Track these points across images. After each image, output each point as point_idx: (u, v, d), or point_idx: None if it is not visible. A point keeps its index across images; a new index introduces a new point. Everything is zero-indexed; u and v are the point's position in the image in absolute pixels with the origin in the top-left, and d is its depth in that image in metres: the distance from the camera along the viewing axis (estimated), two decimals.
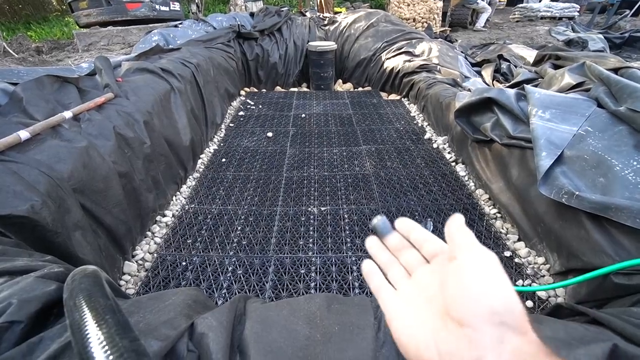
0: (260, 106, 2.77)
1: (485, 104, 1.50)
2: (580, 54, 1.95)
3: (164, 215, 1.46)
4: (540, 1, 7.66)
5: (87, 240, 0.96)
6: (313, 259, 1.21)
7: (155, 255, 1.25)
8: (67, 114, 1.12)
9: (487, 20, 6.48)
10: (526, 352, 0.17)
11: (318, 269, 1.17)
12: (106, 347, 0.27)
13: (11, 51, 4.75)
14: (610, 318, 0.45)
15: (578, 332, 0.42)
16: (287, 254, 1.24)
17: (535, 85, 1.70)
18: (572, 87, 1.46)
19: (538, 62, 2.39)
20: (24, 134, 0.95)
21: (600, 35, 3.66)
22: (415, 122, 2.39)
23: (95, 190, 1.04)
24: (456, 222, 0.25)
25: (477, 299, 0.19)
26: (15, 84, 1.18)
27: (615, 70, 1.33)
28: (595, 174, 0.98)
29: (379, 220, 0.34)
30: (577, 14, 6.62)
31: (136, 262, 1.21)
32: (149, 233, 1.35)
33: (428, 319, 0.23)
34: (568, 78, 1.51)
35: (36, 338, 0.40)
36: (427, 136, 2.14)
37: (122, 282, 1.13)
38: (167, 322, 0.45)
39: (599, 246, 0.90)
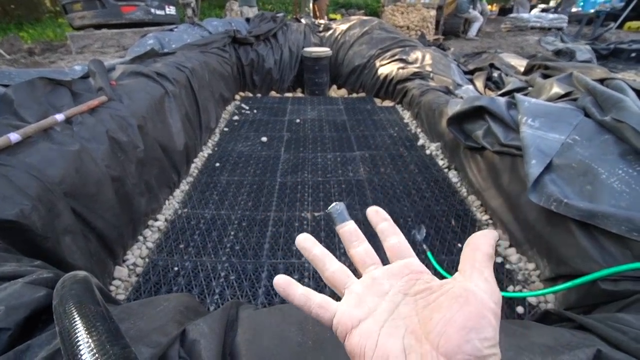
0: (255, 111, 2.78)
1: (477, 112, 1.53)
2: (568, 65, 2.00)
3: (157, 220, 1.44)
4: (530, 12, 7.87)
5: (77, 245, 0.94)
6: (306, 265, 1.21)
7: (146, 260, 1.24)
8: (60, 117, 1.11)
9: (479, 29, 6.62)
10: None
11: (311, 275, 1.17)
12: (97, 355, 0.27)
13: (2, 52, 4.69)
14: (595, 324, 0.46)
15: (565, 338, 0.43)
16: (281, 259, 1.24)
17: (525, 94, 1.74)
18: (561, 97, 1.50)
19: (528, 71, 2.45)
20: (14, 137, 0.94)
21: (588, 46, 3.78)
22: (408, 128, 2.42)
23: (87, 194, 1.03)
24: (488, 240, 0.22)
25: (471, 337, 0.17)
26: (6, 86, 1.17)
27: (601, 81, 1.37)
28: (582, 181, 1.01)
29: (335, 206, 0.30)
30: (565, 25, 6.81)
31: (127, 267, 1.20)
32: (140, 238, 1.34)
33: (397, 334, 0.21)
34: (556, 87, 1.55)
35: (23, 346, 0.40)
36: (420, 142, 2.17)
37: (112, 288, 1.11)
38: (158, 329, 0.45)
39: (586, 253, 0.92)
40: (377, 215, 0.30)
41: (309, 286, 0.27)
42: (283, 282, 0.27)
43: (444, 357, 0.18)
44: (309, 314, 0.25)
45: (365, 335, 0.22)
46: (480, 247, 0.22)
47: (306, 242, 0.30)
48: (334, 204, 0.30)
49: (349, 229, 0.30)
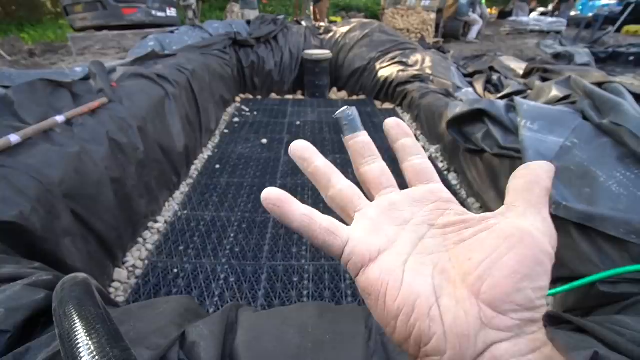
0: (255, 113, 2.79)
1: (477, 115, 1.53)
2: (567, 68, 2.01)
3: (156, 222, 1.44)
4: (529, 15, 7.91)
5: (76, 246, 0.94)
6: (306, 267, 1.21)
7: (146, 262, 1.24)
8: (60, 119, 1.11)
9: (479, 32, 6.66)
10: (540, 339, 0.15)
11: (311, 277, 1.17)
12: (97, 357, 0.27)
13: (3, 53, 4.69)
14: (593, 326, 0.46)
15: (562, 340, 0.43)
16: (280, 261, 1.24)
17: (524, 97, 1.75)
18: (559, 100, 1.50)
19: (527, 74, 2.46)
20: (14, 138, 0.94)
21: (587, 50, 3.80)
22: None
23: (86, 196, 1.03)
24: (548, 172, 0.17)
25: (524, 286, 0.15)
26: (7, 87, 1.17)
27: (599, 84, 1.37)
28: (581, 184, 1.01)
29: (345, 110, 0.23)
30: (564, 28, 6.85)
31: (126, 269, 1.20)
32: (140, 239, 1.34)
33: (425, 272, 0.17)
34: (555, 91, 1.56)
35: (23, 348, 0.40)
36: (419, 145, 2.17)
37: (111, 290, 1.11)
38: (157, 331, 0.45)
39: (585, 255, 0.93)
40: (398, 127, 0.23)
41: (308, 289, 0.25)
42: (275, 197, 0.20)
43: (486, 306, 0.15)
44: (313, 241, 0.20)
45: (387, 270, 0.18)
46: (539, 179, 0.17)
47: (305, 151, 0.22)
48: (344, 107, 0.23)
49: (362, 141, 0.23)
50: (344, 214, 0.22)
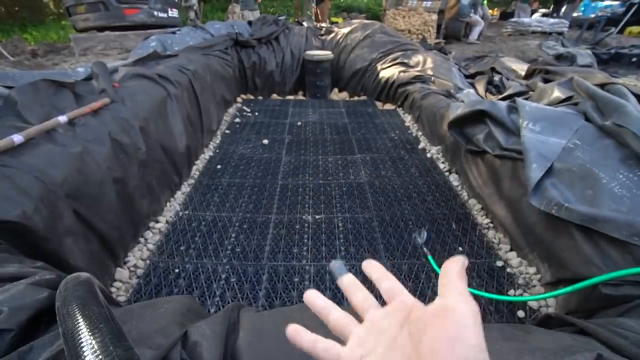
0: (257, 113, 2.79)
1: (478, 116, 1.53)
2: (569, 69, 2.01)
3: (158, 222, 1.44)
4: (531, 16, 7.90)
5: (78, 246, 0.95)
6: (307, 267, 1.21)
7: (147, 262, 1.24)
8: (62, 119, 1.12)
9: (480, 33, 6.65)
10: None
11: (312, 278, 1.17)
12: (100, 356, 0.27)
13: (6, 54, 4.72)
14: (597, 328, 0.46)
15: (566, 342, 0.43)
16: (281, 262, 1.24)
17: (526, 99, 1.75)
18: (562, 101, 1.50)
19: (529, 75, 2.46)
20: (17, 138, 0.94)
21: (589, 51, 3.79)
22: (409, 131, 2.42)
23: (88, 195, 1.04)
24: (458, 264, 0.25)
25: (457, 347, 0.20)
26: (10, 88, 1.17)
27: (602, 86, 1.37)
28: (583, 186, 1.01)
29: (334, 263, 0.35)
30: (566, 29, 6.84)
31: (128, 268, 1.20)
32: (141, 239, 1.34)
33: None
34: (557, 92, 1.56)
35: (26, 347, 0.40)
36: (421, 146, 2.17)
37: (113, 289, 1.12)
38: (160, 331, 0.45)
39: (587, 257, 0.92)
40: (369, 267, 0.34)
41: (309, 288, 0.28)
42: (292, 330, 0.30)
43: None
44: (316, 357, 0.28)
45: None
46: (450, 270, 0.25)
47: (309, 295, 0.34)
48: (332, 262, 0.35)
49: (347, 281, 0.34)
50: (342, 335, 0.30)
